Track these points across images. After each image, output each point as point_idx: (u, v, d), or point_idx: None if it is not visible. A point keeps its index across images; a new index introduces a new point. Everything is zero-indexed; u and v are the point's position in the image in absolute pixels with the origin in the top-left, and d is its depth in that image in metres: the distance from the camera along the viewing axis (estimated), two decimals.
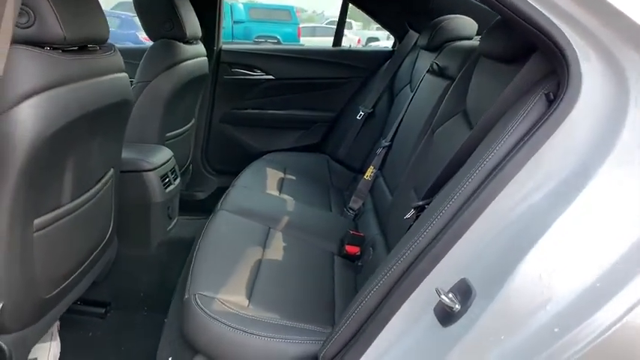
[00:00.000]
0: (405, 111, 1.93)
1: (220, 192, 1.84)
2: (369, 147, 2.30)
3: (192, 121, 2.28)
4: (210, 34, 2.38)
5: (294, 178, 2.13)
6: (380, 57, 2.54)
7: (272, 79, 2.53)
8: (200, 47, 2.12)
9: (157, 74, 1.81)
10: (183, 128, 2.13)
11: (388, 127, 2.09)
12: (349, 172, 2.37)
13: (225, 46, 2.51)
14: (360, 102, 2.44)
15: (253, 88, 2.52)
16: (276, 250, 1.43)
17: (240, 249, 1.36)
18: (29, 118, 0.88)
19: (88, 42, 1.09)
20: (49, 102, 0.93)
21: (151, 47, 1.86)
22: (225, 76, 2.50)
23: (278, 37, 10.37)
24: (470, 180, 0.77)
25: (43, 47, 0.94)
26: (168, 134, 1.96)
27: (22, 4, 0.88)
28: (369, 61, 2.55)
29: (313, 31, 11.91)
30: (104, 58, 1.14)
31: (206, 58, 2.17)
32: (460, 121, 1.32)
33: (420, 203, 1.00)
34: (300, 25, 11.41)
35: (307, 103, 2.57)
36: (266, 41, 10.42)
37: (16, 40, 0.88)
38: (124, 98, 1.24)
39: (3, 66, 0.77)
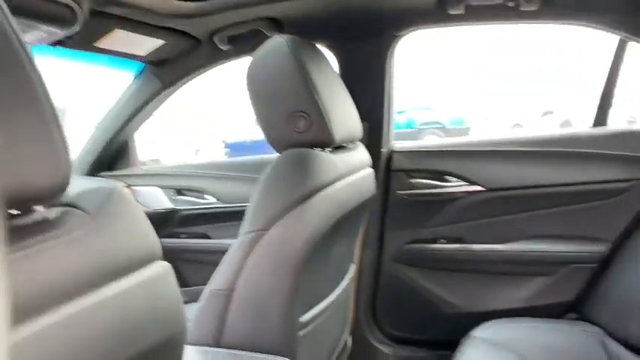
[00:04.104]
0: None
1: None
2: None
3: (351, 269, 1.36)
4: (374, 128, 1.52)
5: None
6: None
7: (481, 191, 1.49)
8: (358, 153, 1.24)
9: (279, 216, 0.95)
10: (335, 294, 1.20)
11: None
12: None
13: (399, 146, 1.60)
14: None
15: (447, 208, 1.52)
16: None
17: None
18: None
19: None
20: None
21: (273, 166, 1.01)
22: (400, 192, 1.55)
23: (444, 124, 9.50)
24: None
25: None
26: (304, 318, 1.05)
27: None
28: None
29: None
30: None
31: (371, 169, 1.28)
32: None
33: None
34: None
35: (550, 230, 1.45)
36: (429, 128, 9.55)
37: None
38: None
39: None
